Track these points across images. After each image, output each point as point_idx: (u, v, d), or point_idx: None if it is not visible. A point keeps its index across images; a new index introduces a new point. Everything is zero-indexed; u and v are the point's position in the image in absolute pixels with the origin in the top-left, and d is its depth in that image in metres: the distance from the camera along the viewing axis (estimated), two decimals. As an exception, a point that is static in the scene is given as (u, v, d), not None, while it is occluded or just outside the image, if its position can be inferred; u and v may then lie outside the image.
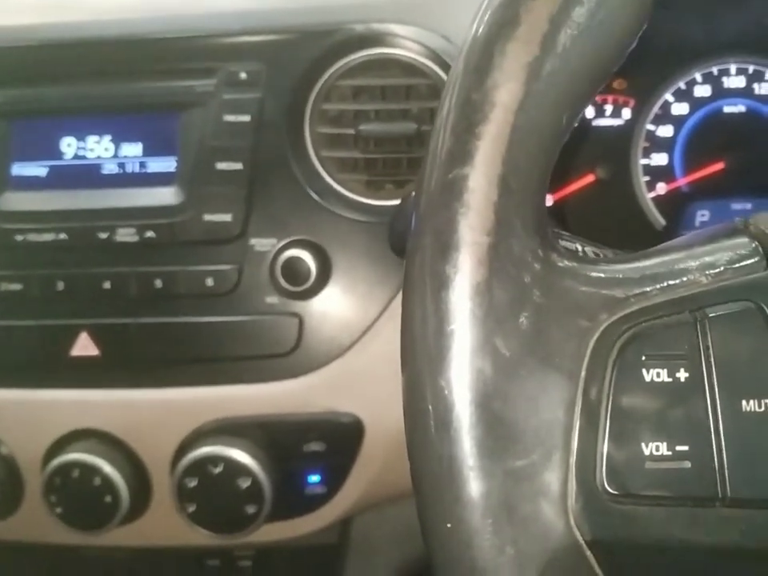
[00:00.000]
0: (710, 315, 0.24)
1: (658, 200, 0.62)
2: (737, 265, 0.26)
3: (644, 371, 0.24)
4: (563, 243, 0.40)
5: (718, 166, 0.61)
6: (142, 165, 0.53)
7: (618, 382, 0.24)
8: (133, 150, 0.53)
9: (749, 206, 0.62)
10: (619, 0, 0.26)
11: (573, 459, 0.23)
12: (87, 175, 0.53)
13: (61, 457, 0.51)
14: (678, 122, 0.62)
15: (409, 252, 0.26)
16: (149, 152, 0.53)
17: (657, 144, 0.62)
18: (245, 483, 0.49)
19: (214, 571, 0.61)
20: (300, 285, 0.50)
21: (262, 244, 0.51)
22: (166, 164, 0.52)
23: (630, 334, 0.24)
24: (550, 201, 0.63)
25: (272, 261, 0.51)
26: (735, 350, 0.24)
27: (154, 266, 0.51)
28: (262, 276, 0.51)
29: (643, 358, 0.24)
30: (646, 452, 0.23)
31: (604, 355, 0.24)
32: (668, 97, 0.62)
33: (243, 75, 0.52)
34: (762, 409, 0.24)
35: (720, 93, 0.62)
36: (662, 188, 0.62)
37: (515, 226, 0.24)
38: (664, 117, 0.62)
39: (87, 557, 0.63)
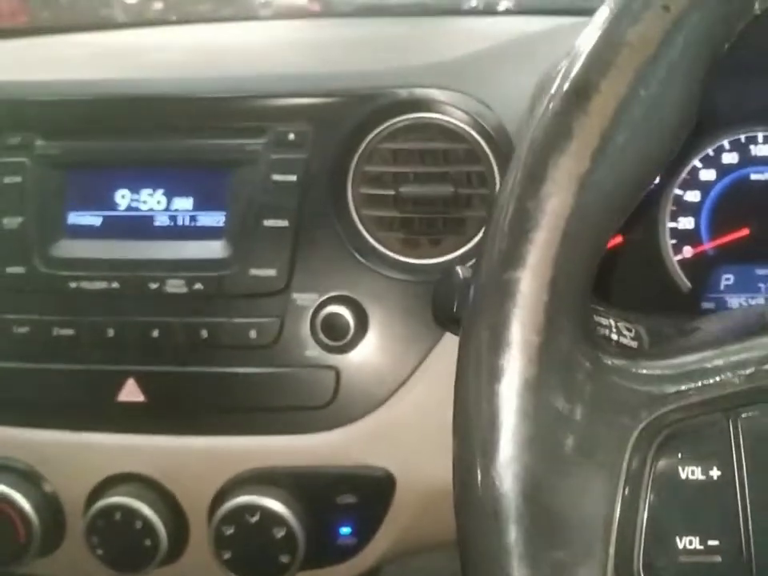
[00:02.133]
0: (742, 416, 0.26)
1: (683, 263, 0.64)
2: (766, 366, 0.27)
3: (680, 469, 0.26)
4: (597, 319, 0.42)
5: (744, 231, 0.63)
6: (193, 218, 0.55)
7: (656, 479, 0.25)
8: (184, 203, 0.55)
9: (773, 271, 0.64)
10: (667, 112, 0.28)
11: (612, 550, 0.25)
12: (140, 226, 0.55)
13: (104, 499, 0.52)
14: (705, 187, 0.64)
15: (463, 341, 0.28)
16: (199, 206, 0.55)
17: (684, 208, 0.64)
18: (280, 533, 0.51)
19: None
20: (339, 339, 0.52)
21: (303, 299, 0.53)
22: (215, 218, 0.55)
23: (668, 432, 0.26)
24: (578, 260, 0.65)
25: (312, 315, 0.53)
26: (765, 449, 0.26)
27: (200, 316, 0.53)
28: (302, 329, 0.53)
29: (679, 456, 0.26)
30: (680, 546, 0.25)
31: (643, 452, 0.26)
32: (696, 163, 0.64)
33: (291, 136, 0.54)
34: None
35: (747, 160, 0.64)
36: (688, 251, 0.64)
37: (564, 325, 0.26)
38: (692, 182, 0.64)
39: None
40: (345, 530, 0.54)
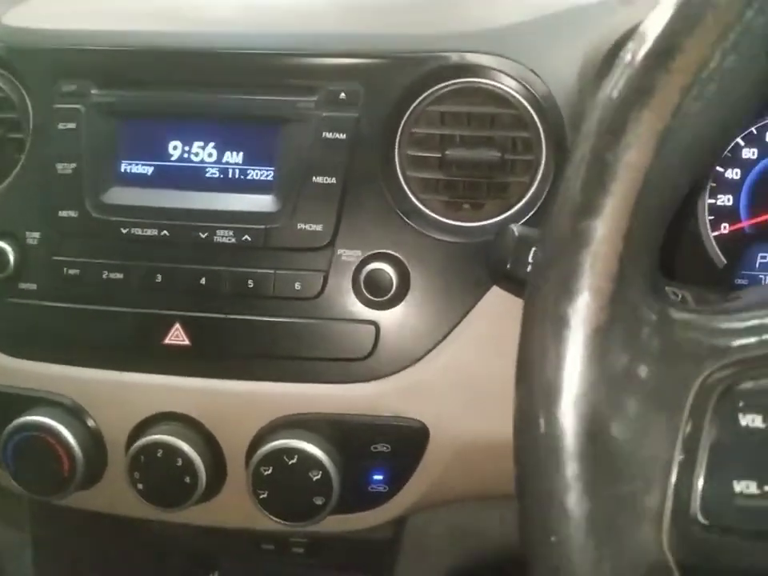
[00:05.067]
0: None
1: (720, 239, 0.65)
2: None
3: (740, 416, 0.27)
4: (669, 288, 0.43)
5: (782, 211, 0.64)
6: (243, 172, 0.56)
7: (716, 425, 0.27)
8: (235, 157, 0.56)
9: (809, 252, 0.64)
10: (745, 76, 0.28)
11: (671, 491, 0.26)
12: (191, 177, 0.57)
13: (147, 437, 0.55)
14: (747, 165, 0.64)
15: (532, 290, 0.29)
16: (249, 161, 0.56)
17: (724, 185, 0.64)
18: (316, 476, 0.53)
19: (269, 554, 0.65)
20: (380, 295, 0.54)
21: (347, 254, 0.54)
22: (264, 173, 0.56)
23: (730, 382, 0.27)
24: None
25: (356, 271, 0.54)
26: None
27: (247, 267, 0.55)
28: (345, 284, 0.54)
29: (741, 404, 0.27)
30: (737, 489, 0.26)
31: (705, 399, 0.27)
32: (739, 140, 0.64)
33: (342, 95, 0.55)
34: None
35: (790, 141, 0.64)
36: (725, 228, 0.65)
37: (635, 277, 0.27)
38: (733, 160, 0.64)
39: (152, 530, 0.67)
40: (377, 478, 0.56)
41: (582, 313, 0.27)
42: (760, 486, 0.26)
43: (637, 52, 0.28)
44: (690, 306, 0.30)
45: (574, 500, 0.26)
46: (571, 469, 0.26)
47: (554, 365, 0.27)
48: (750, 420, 0.27)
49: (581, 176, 0.28)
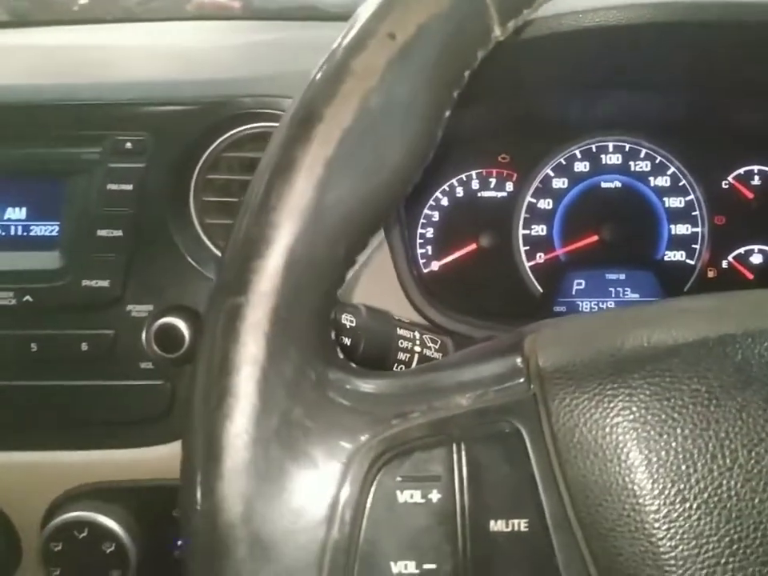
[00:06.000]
0: (466, 438, 0.27)
1: (536, 268, 0.65)
2: (499, 386, 0.27)
3: (398, 493, 0.26)
4: (401, 332, 0.43)
5: (593, 238, 0.65)
6: (26, 228, 0.54)
7: (374, 503, 0.26)
8: (17, 213, 0.54)
9: (622, 276, 0.65)
10: (395, 142, 0.27)
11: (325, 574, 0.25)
12: (-31, 238, 0.54)
13: (-72, 518, 0.51)
14: (558, 195, 0.66)
15: (196, 361, 0.27)
16: (33, 217, 0.54)
17: (537, 215, 0.65)
18: (109, 548, 0.50)
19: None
20: (174, 351, 0.52)
21: (138, 310, 0.52)
22: (49, 229, 0.53)
23: (389, 456, 0.26)
24: (435, 266, 0.65)
25: (147, 326, 0.52)
26: (487, 472, 0.26)
27: (30, 329, 0.52)
28: (137, 341, 0.52)
29: (398, 479, 0.26)
30: (395, 570, 0.25)
31: (363, 477, 0.26)
32: (549, 171, 0.65)
33: (128, 145, 0.54)
34: (509, 529, 0.26)
35: (598, 169, 0.66)
36: (540, 257, 0.66)
37: (288, 353, 0.26)
38: (544, 190, 0.65)
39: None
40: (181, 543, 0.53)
41: (235, 391, 0.25)
42: (419, 565, 0.25)
43: (284, 121, 0.27)
44: (357, 370, 0.29)
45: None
46: (223, 559, 0.25)
47: (207, 442, 0.25)
48: (409, 496, 0.26)
49: (230, 252, 0.27)
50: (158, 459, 0.52)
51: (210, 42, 0.72)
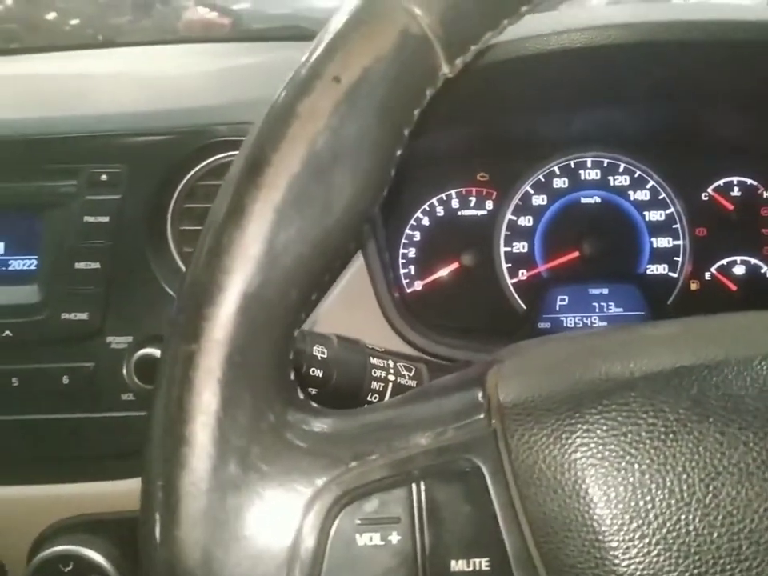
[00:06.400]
0: (426, 477, 0.26)
1: (519, 285, 0.65)
2: (459, 423, 0.27)
3: (357, 536, 0.26)
4: (374, 361, 0.43)
5: (575, 254, 0.65)
6: (3, 263, 0.54)
7: (333, 547, 0.25)
8: (-5, 248, 0.54)
9: (605, 290, 0.65)
10: (345, 184, 0.27)
11: None
12: (-52, 273, 0.54)
13: None
14: (538, 212, 0.66)
15: (149, 408, 0.27)
16: (10, 251, 0.54)
17: (518, 233, 0.66)
18: (95, 580, 0.50)
19: None
20: (154, 382, 0.52)
21: (117, 342, 0.52)
22: (27, 263, 0.54)
23: (347, 499, 0.26)
24: (418, 286, 0.65)
25: (128, 358, 0.52)
26: (447, 511, 0.26)
27: (10, 364, 0.52)
28: (117, 373, 0.52)
29: (357, 522, 0.26)
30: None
31: (321, 521, 0.26)
32: (528, 188, 0.66)
33: (104, 177, 0.54)
34: (470, 568, 0.26)
35: (577, 184, 0.66)
36: (522, 274, 0.66)
37: (243, 399, 0.26)
38: (524, 207, 0.66)
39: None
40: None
41: (190, 439, 0.25)
42: None
43: (233, 166, 0.27)
44: (315, 409, 0.29)
45: None
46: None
47: (164, 492, 0.25)
48: (368, 538, 0.26)
49: (182, 299, 0.27)
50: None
51: (192, 67, 0.73)
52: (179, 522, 0.25)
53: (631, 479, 0.25)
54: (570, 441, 0.26)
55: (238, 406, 0.26)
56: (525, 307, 0.65)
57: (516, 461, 0.26)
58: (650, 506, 0.24)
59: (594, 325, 0.65)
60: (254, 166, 0.27)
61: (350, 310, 0.56)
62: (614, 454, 0.25)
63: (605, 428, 0.25)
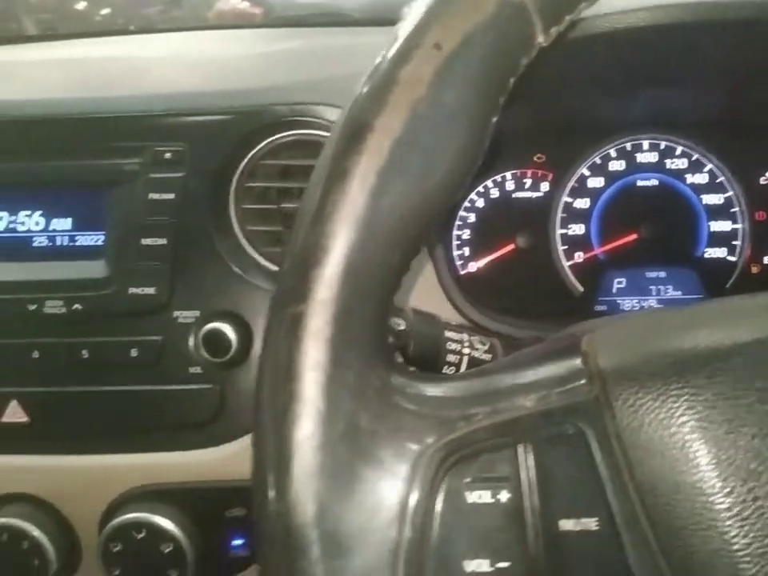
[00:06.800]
0: (532, 439, 0.27)
1: (575, 268, 0.65)
2: (561, 388, 0.27)
3: (467, 494, 0.26)
4: (448, 335, 0.43)
5: (632, 236, 0.65)
6: (72, 239, 0.55)
7: (444, 504, 0.26)
8: (63, 224, 0.55)
9: (663, 273, 0.65)
10: (446, 149, 0.28)
11: (401, 572, 0.25)
12: (18, 248, 0.55)
13: (-11, 521, 0.52)
14: (594, 194, 0.65)
15: (258, 371, 0.28)
16: (78, 227, 0.55)
17: (574, 215, 0.65)
18: (167, 548, 0.51)
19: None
20: (222, 356, 0.53)
21: (184, 316, 0.53)
22: (94, 239, 0.55)
23: (456, 458, 0.26)
24: (473, 268, 0.66)
25: (195, 332, 0.53)
26: (554, 473, 0.27)
27: (81, 336, 0.53)
28: (184, 347, 0.53)
29: (467, 480, 0.26)
30: (468, 569, 0.25)
31: (431, 478, 0.26)
32: (584, 171, 0.65)
33: (168, 155, 0.55)
34: (578, 528, 0.26)
35: (634, 167, 0.65)
36: (579, 256, 0.65)
37: (350, 359, 0.27)
38: (580, 189, 0.65)
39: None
40: (237, 543, 0.54)
41: (299, 399, 0.26)
42: (493, 564, 0.25)
43: (334, 132, 0.28)
44: (418, 374, 0.29)
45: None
46: (298, 560, 0.25)
47: (277, 449, 0.26)
48: (477, 496, 0.26)
49: (290, 261, 0.27)
50: (210, 461, 0.53)
51: (237, 51, 0.73)
52: (292, 476, 0.26)
53: (742, 443, 0.25)
54: (677, 404, 0.26)
55: (346, 365, 0.26)
56: (581, 289, 0.65)
57: (620, 425, 0.26)
58: (761, 468, 0.24)
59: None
60: (356, 132, 0.27)
61: (410, 289, 0.56)
62: (722, 418, 0.25)
63: (713, 392, 0.26)
